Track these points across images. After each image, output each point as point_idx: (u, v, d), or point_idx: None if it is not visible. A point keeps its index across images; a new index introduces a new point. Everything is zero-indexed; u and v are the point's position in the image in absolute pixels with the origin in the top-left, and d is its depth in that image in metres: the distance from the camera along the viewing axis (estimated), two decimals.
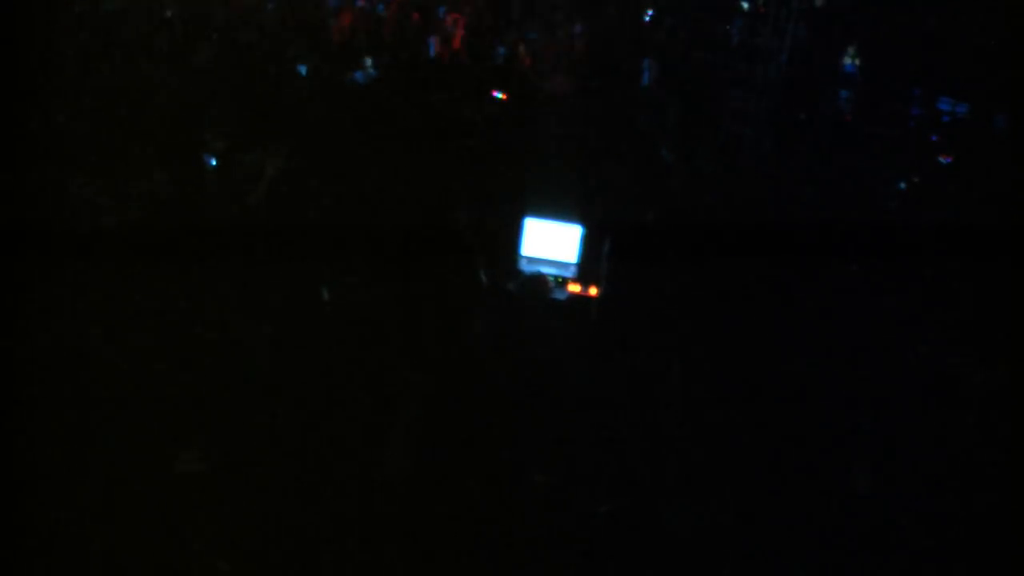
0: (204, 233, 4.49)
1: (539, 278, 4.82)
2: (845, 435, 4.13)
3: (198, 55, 8.83)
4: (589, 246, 5.38)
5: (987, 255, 5.23)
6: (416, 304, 4.27)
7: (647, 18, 13.43)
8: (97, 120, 6.36)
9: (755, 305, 4.75)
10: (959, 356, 4.66)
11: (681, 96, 9.42)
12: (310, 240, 4.57)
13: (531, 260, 5.49)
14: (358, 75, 10.14)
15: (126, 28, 9.59)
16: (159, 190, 5.04)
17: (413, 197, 5.46)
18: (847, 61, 10.49)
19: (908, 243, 5.62)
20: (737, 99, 9.90)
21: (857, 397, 4.33)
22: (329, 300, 4.48)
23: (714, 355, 4.45)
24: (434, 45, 11.86)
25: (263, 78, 8.27)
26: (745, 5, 12.39)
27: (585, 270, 5.26)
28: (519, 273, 5.26)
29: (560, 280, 5.25)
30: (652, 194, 6.54)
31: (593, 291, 5.13)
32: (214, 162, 5.21)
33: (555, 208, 5.66)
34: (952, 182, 7.53)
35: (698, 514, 3.82)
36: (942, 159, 8.10)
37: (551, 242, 5.51)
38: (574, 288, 5.25)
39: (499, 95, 9.29)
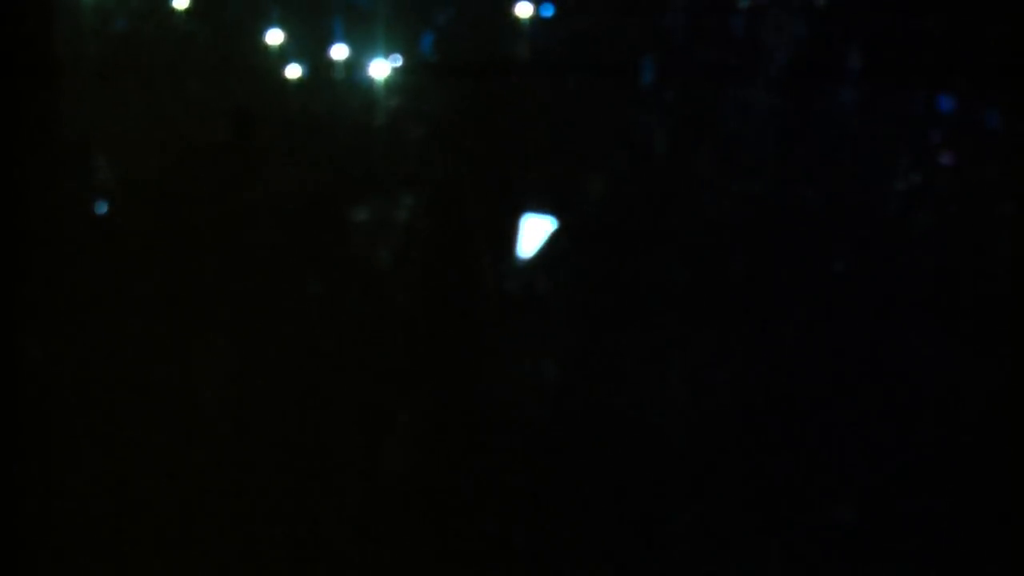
0: (203, 229, 4.49)
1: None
2: (843, 435, 4.14)
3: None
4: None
5: (987, 255, 5.23)
6: (423, 306, 4.26)
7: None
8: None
9: (752, 305, 4.76)
10: (958, 356, 4.66)
11: (680, 94, 9.42)
12: (311, 239, 4.56)
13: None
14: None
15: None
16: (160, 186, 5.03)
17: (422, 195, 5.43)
18: (847, 61, 10.47)
19: (908, 243, 5.62)
20: (737, 97, 9.88)
21: (855, 397, 4.33)
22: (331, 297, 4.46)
23: (710, 356, 4.46)
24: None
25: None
26: (745, 3, 12.38)
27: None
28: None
29: None
30: (650, 193, 6.54)
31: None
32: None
33: (553, 207, 5.64)
34: (952, 182, 7.53)
35: (697, 515, 3.83)
36: (942, 159, 8.08)
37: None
38: None
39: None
